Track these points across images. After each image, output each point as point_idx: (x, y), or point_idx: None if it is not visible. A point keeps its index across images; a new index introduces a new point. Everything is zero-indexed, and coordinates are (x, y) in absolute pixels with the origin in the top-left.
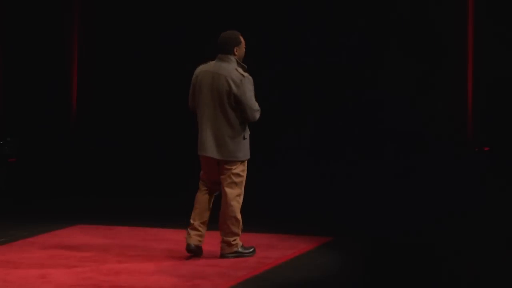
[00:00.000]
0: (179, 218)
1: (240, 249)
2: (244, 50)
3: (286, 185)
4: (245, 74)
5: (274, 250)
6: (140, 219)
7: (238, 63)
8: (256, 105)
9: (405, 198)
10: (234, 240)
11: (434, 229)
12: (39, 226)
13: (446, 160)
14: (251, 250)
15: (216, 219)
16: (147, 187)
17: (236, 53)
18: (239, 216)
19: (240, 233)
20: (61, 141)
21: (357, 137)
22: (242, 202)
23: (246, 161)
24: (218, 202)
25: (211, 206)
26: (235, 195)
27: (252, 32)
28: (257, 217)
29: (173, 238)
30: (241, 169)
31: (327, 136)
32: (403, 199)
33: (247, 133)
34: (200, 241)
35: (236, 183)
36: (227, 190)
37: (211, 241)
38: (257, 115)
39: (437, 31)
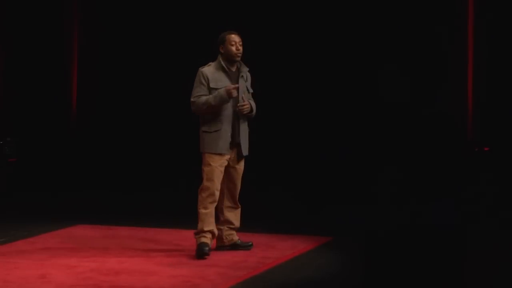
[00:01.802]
0: (179, 218)
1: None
2: (230, 46)
3: (286, 184)
4: (201, 68)
5: (274, 250)
6: (140, 219)
7: (221, 61)
8: (192, 97)
9: (405, 198)
10: (196, 233)
11: (434, 228)
12: (39, 226)
13: (446, 160)
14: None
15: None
16: (148, 187)
17: (222, 51)
18: (200, 210)
19: (201, 228)
20: (61, 141)
21: (357, 137)
22: (209, 196)
23: (207, 155)
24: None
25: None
26: (200, 188)
27: (255, 32)
28: (257, 217)
29: (173, 238)
30: (203, 163)
31: (328, 136)
32: (403, 199)
33: (207, 127)
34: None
35: (202, 177)
36: None
37: None
38: (192, 107)
39: (437, 31)
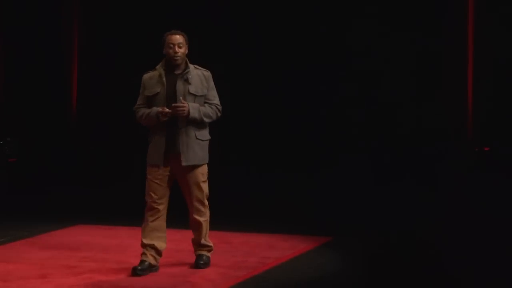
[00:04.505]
0: (179, 218)
1: None
2: (168, 49)
3: (286, 185)
4: (144, 74)
5: (274, 250)
6: (140, 219)
7: (163, 64)
8: (135, 105)
9: (405, 198)
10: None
11: (434, 228)
12: (39, 226)
13: (446, 160)
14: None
15: (211, 219)
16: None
17: (164, 53)
18: (143, 223)
19: (141, 241)
20: (61, 141)
21: (357, 137)
22: (148, 210)
23: (147, 167)
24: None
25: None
26: None
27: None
28: (257, 217)
29: (173, 238)
30: None
31: (328, 135)
32: (403, 199)
33: (148, 137)
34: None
35: None
36: None
37: (211, 241)
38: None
39: (437, 31)
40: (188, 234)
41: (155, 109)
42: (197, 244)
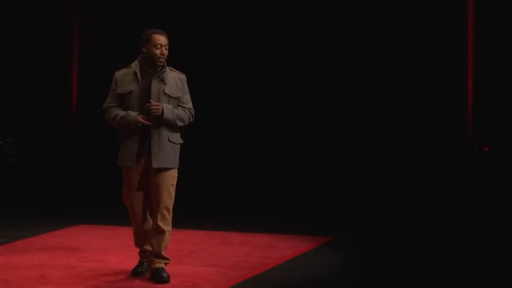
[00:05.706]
0: (178, 218)
1: None
2: (154, 48)
3: (286, 184)
4: (116, 71)
5: (274, 250)
6: None
7: (139, 61)
8: (104, 104)
9: (405, 198)
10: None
11: (433, 229)
12: (39, 226)
13: (446, 160)
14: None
15: (211, 219)
16: None
17: (144, 50)
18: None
19: (135, 246)
20: (61, 141)
21: (357, 137)
22: (131, 215)
23: (122, 169)
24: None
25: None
26: None
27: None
28: (257, 217)
29: (173, 238)
30: None
31: (328, 135)
32: (402, 199)
33: (119, 138)
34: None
35: None
36: None
37: (210, 241)
38: (103, 114)
39: (437, 31)
40: (188, 234)
41: (132, 114)
42: (155, 256)
